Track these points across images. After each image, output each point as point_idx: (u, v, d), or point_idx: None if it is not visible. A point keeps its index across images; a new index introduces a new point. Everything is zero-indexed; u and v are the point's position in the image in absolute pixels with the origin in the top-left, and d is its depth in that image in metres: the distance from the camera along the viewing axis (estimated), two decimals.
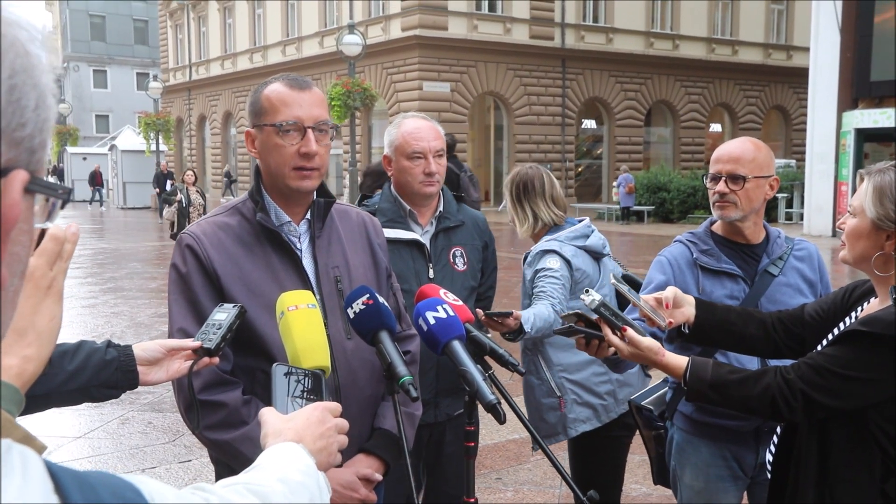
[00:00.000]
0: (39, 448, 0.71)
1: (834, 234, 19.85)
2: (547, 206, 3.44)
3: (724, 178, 2.65)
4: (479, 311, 2.81)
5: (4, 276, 0.66)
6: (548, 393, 3.34)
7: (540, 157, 30.47)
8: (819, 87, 21.02)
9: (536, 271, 3.28)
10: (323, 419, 1.36)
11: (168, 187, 27.82)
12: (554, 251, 3.28)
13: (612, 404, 3.33)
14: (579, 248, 3.33)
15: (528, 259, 3.38)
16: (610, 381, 3.32)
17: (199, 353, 1.77)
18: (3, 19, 0.64)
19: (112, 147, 38.58)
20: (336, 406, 1.44)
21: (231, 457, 2.08)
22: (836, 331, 2.15)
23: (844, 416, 2.03)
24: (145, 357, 1.75)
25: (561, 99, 31.57)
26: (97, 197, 37.29)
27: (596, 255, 3.39)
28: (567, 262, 3.26)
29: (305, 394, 1.49)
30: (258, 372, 2.10)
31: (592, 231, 3.43)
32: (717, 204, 2.70)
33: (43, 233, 1.10)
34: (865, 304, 2.16)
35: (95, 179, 37.10)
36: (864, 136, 19.78)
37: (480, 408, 1.82)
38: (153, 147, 35.54)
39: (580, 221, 3.46)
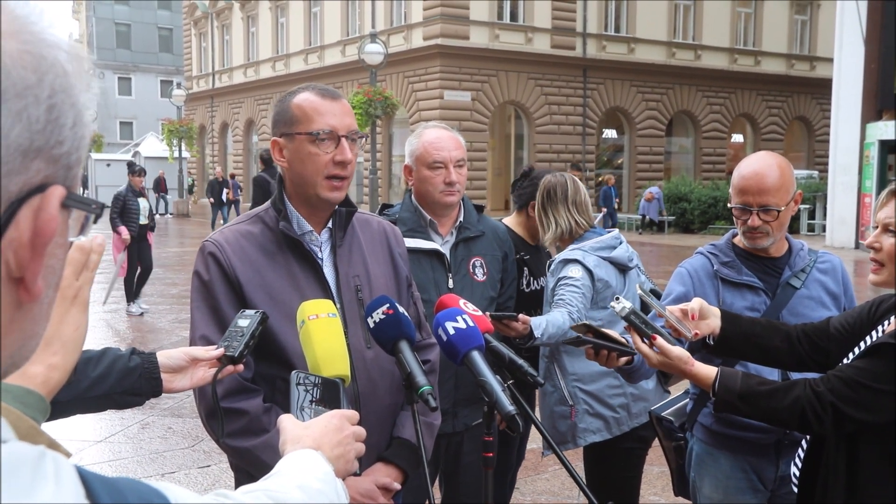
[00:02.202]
0: (64, 455, 0.72)
1: (857, 247, 19.66)
2: (568, 213, 3.44)
3: (756, 212, 2.57)
4: (487, 313, 2.82)
5: (40, 288, 0.68)
6: (560, 401, 3.34)
7: (560, 166, 30.41)
8: (843, 98, 20.87)
9: (559, 279, 3.28)
10: (341, 427, 1.37)
11: (224, 197, 26.59)
12: (577, 261, 3.28)
13: (625, 418, 3.31)
14: (604, 258, 3.32)
15: (552, 267, 3.38)
16: (624, 394, 3.30)
17: (223, 360, 1.79)
18: (43, 41, 0.66)
19: (136, 154, 38.93)
20: (354, 414, 1.45)
21: (251, 464, 2.09)
22: (862, 344, 2.13)
23: (874, 430, 2.01)
24: (169, 365, 1.76)
25: (582, 108, 31.51)
26: (162, 205, 34.43)
27: (622, 268, 3.38)
28: (589, 272, 3.25)
29: (313, 403, 1.50)
30: (278, 380, 2.11)
31: (620, 243, 3.41)
32: (747, 235, 2.64)
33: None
34: (892, 317, 2.14)
35: (160, 186, 34.47)
36: (887, 147, 19.59)
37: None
38: (176, 154, 35.81)
39: (609, 232, 3.45)
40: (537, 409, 3.56)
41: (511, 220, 3.85)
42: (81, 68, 0.70)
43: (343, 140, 2.14)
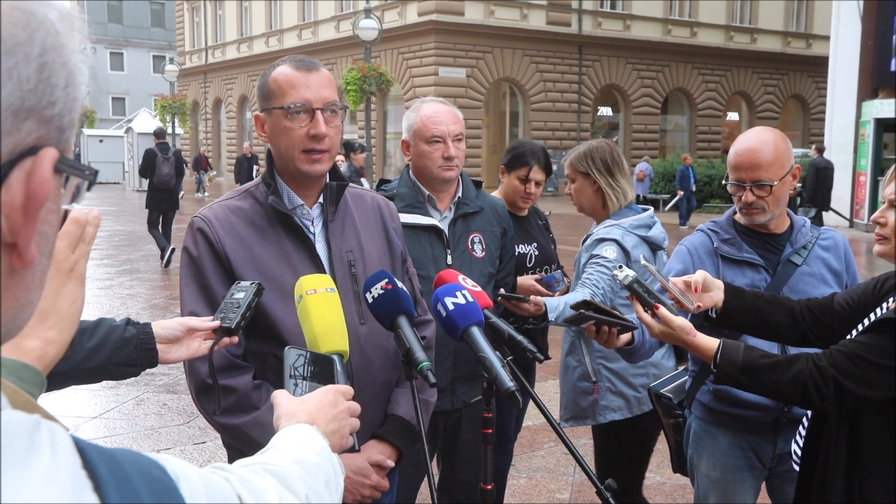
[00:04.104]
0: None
1: (851, 225, 19.71)
2: (627, 181, 3.35)
3: (749, 188, 2.57)
4: (502, 290, 2.79)
5: (33, 254, 0.66)
6: (583, 377, 3.30)
7: (555, 143, 30.37)
8: (839, 76, 20.84)
9: (590, 257, 3.18)
10: (335, 402, 1.37)
11: (255, 175, 25.03)
12: (614, 240, 3.16)
13: (646, 398, 3.25)
14: (641, 238, 3.24)
15: (587, 243, 3.28)
16: (647, 374, 3.25)
17: (219, 332, 1.77)
18: None
19: (128, 130, 38.74)
20: (348, 389, 1.44)
21: (241, 441, 2.08)
22: (866, 321, 2.12)
23: (875, 406, 2.00)
24: (165, 335, 1.74)
25: (577, 86, 31.43)
26: (203, 183, 32.29)
27: (654, 248, 3.31)
28: (625, 252, 3.14)
29: (307, 379, 1.49)
30: (270, 357, 2.09)
31: (655, 222, 3.32)
32: (744, 211, 2.64)
33: (65, 215, 1.12)
34: None
35: (200, 163, 32.75)
36: (883, 126, 19.59)
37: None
38: (169, 130, 35.61)
39: (644, 210, 3.36)
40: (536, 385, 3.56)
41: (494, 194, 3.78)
42: (73, 28, 0.69)
43: (318, 113, 2.09)
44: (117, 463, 0.67)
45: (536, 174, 3.68)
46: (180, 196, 15.54)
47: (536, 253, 3.74)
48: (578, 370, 3.33)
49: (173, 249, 13.14)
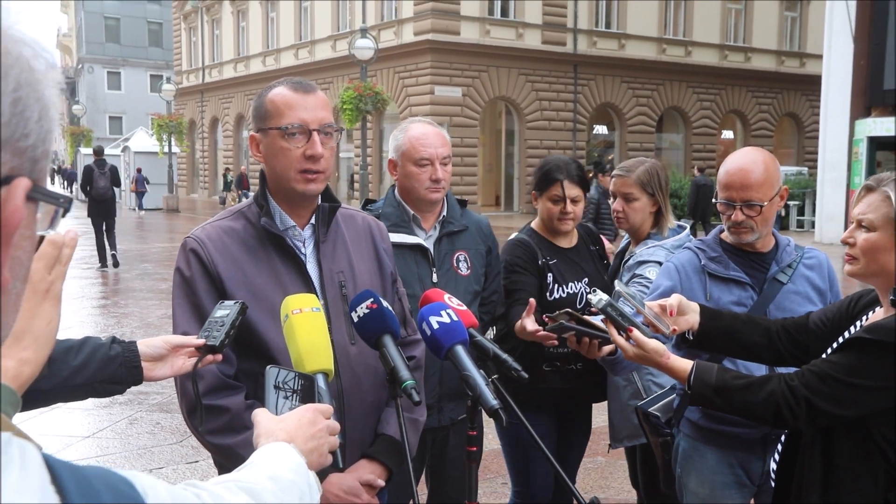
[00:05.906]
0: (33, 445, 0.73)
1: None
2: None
3: (739, 207, 2.60)
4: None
5: (6, 278, 0.68)
6: (634, 395, 3.28)
7: None
8: (832, 94, 20.95)
9: (633, 276, 3.15)
10: (314, 420, 1.39)
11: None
12: (659, 263, 3.09)
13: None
14: None
15: (629, 263, 3.26)
16: None
17: (203, 350, 1.78)
18: (9, 37, 0.68)
19: (125, 148, 38.79)
20: (327, 408, 1.46)
21: (233, 461, 2.07)
22: (841, 339, 2.15)
23: (848, 424, 2.02)
24: (149, 353, 1.76)
25: (572, 104, 31.53)
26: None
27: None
28: None
29: (288, 398, 1.51)
30: (261, 376, 2.10)
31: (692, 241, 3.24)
32: (732, 229, 2.67)
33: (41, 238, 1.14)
34: (871, 312, 2.15)
35: (242, 182, 32.77)
36: (876, 144, 19.69)
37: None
38: (166, 149, 35.67)
39: (682, 229, 3.32)
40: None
41: (535, 223, 3.47)
42: (48, 65, 0.71)
43: (314, 134, 2.12)
44: (85, 479, 0.69)
45: (571, 190, 3.22)
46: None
47: (587, 290, 3.25)
48: (629, 389, 3.30)
49: (114, 255, 15.08)
